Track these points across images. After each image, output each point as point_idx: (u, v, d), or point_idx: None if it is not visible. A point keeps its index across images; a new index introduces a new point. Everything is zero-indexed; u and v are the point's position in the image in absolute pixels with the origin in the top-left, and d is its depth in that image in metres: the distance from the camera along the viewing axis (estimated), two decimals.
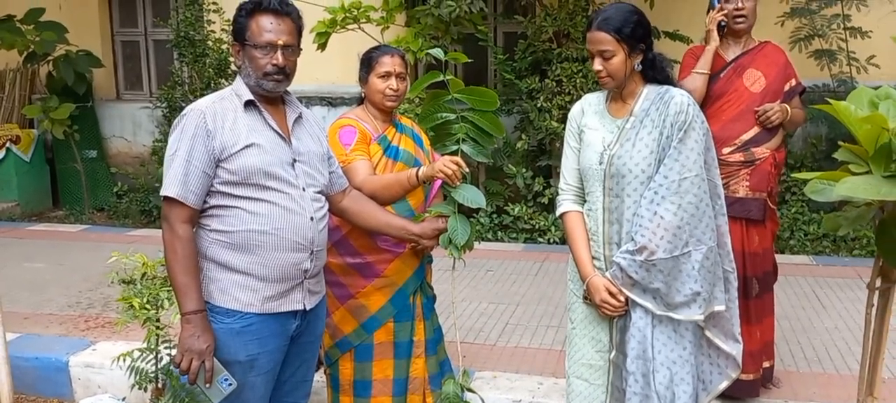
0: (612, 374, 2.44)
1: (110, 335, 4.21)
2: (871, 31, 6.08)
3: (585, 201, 2.49)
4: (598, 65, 2.35)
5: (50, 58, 7.72)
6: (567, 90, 6.16)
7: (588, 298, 2.45)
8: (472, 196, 2.53)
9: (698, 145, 2.31)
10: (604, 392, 2.48)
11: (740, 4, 3.26)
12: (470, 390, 2.62)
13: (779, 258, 5.75)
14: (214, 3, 7.24)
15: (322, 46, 6.17)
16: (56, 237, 6.79)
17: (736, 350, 2.47)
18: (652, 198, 2.29)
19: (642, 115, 2.37)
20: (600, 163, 2.38)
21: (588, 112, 2.49)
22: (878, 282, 2.28)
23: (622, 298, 2.35)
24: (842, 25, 6.12)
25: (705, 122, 2.38)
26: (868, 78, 5.99)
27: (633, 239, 2.31)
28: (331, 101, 7.68)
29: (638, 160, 2.33)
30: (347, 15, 6.18)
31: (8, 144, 7.79)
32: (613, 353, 2.44)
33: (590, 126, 2.46)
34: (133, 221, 7.58)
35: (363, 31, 6.23)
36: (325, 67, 6.45)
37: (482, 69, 7.58)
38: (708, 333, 2.42)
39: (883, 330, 2.30)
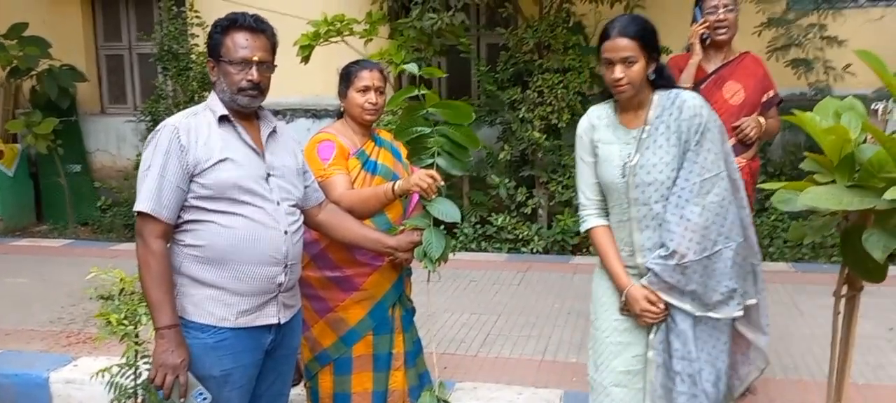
0: (655, 373, 2.43)
1: (92, 350, 4.20)
2: (847, 40, 6.16)
3: (610, 213, 2.50)
4: (618, 72, 2.33)
5: (33, 72, 7.71)
6: (548, 101, 6.21)
7: (626, 309, 2.45)
8: (447, 209, 2.55)
9: (715, 144, 2.34)
10: (642, 393, 2.49)
11: (722, 16, 3.33)
12: (446, 401, 2.64)
13: None
14: (198, 17, 7.25)
15: (306, 59, 6.19)
16: (39, 252, 6.77)
17: (764, 341, 2.50)
18: (676, 203, 2.31)
19: (657, 123, 2.38)
20: (623, 177, 2.39)
21: (599, 126, 2.49)
22: (844, 290, 2.33)
23: (662, 305, 2.36)
24: (818, 35, 6.20)
25: (718, 120, 2.40)
26: (845, 86, 6.06)
27: (664, 245, 2.33)
28: (315, 113, 7.70)
29: (661, 167, 2.35)
30: (331, 28, 6.21)
31: None
32: (652, 352, 2.43)
33: (604, 140, 2.46)
34: (117, 235, 7.56)
35: (346, 43, 6.26)
36: (309, 80, 6.47)
37: (466, 81, 7.63)
38: (738, 326, 2.45)
39: (850, 337, 2.35)
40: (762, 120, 3.36)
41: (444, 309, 4.87)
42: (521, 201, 6.53)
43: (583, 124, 2.54)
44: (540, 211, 6.59)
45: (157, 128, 2.26)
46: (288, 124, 7.74)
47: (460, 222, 6.69)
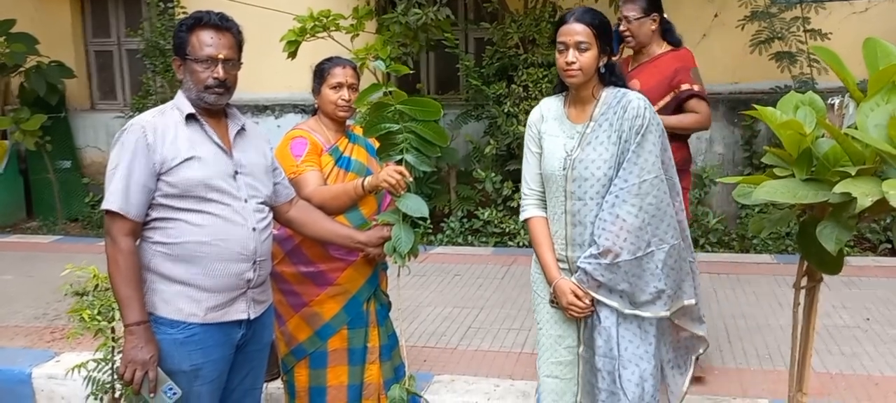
0: (583, 368, 2.50)
1: (74, 346, 4.22)
2: (830, 33, 6.18)
3: (547, 205, 2.55)
4: (571, 56, 2.37)
5: (21, 69, 7.72)
6: (533, 95, 6.24)
7: (555, 301, 2.50)
8: (414, 205, 2.59)
9: (656, 147, 2.38)
10: (575, 384, 2.55)
11: (623, 28, 3.53)
12: (415, 394, 2.68)
13: (740, 257, 5.86)
14: (184, 13, 7.25)
15: (292, 55, 6.21)
16: (27, 248, 6.79)
17: (702, 329, 2.57)
18: (613, 202, 2.34)
19: (601, 119, 2.42)
20: (563, 169, 2.43)
21: (547, 117, 2.53)
22: (803, 281, 2.36)
23: (588, 300, 2.41)
24: (801, 27, 6.22)
25: (661, 124, 2.44)
26: (829, 79, 6.08)
27: (596, 243, 2.36)
28: (304, 109, 7.71)
29: (599, 163, 2.38)
30: (317, 23, 6.22)
31: None
32: (582, 348, 2.50)
33: (550, 132, 2.50)
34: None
35: (333, 39, 6.27)
36: (297, 75, 6.43)
37: (453, 75, 7.65)
38: (677, 321, 2.51)
39: (810, 328, 2.39)
40: None
41: (427, 302, 4.91)
42: (507, 195, 6.56)
43: (533, 115, 2.59)
44: (520, 207, 6.62)
45: (124, 126, 2.29)
46: (277, 120, 7.76)
47: (443, 213, 6.74)
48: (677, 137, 3.47)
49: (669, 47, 3.58)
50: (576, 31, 2.37)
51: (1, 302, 5.14)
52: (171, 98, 7.31)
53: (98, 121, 8.58)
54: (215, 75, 2.28)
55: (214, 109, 2.36)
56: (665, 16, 3.57)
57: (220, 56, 2.29)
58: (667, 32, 3.57)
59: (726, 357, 3.91)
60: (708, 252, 6.12)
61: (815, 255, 2.21)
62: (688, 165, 3.60)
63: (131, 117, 7.97)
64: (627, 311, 2.38)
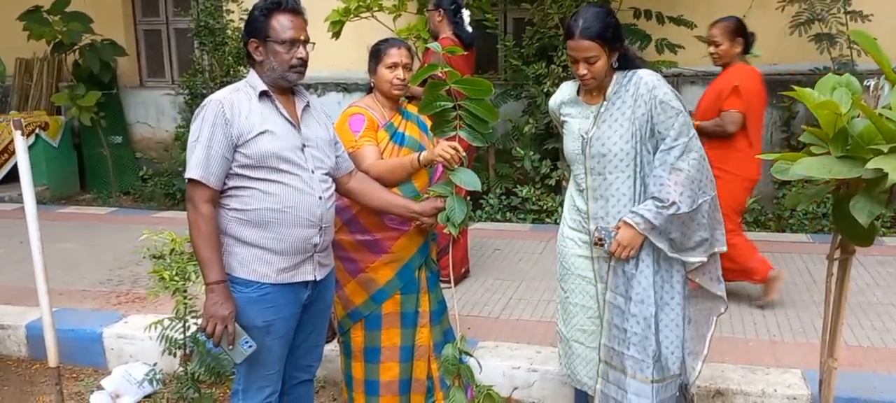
0: (611, 314, 2.66)
1: (140, 308, 4.50)
2: (871, 15, 6.18)
3: (571, 182, 2.73)
4: (583, 69, 2.54)
5: (76, 47, 8.01)
6: (573, 75, 6.33)
7: (601, 242, 2.63)
8: (468, 178, 2.75)
9: (682, 114, 2.54)
10: (596, 352, 2.74)
11: None
12: (467, 353, 2.86)
13: (776, 236, 5.93)
14: None
15: (336, 34, 6.39)
16: (85, 219, 7.10)
17: (721, 290, 2.74)
18: (664, 160, 2.50)
19: (614, 98, 2.58)
20: (581, 149, 2.61)
21: (566, 101, 2.72)
22: (837, 254, 2.49)
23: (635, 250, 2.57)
24: (842, 9, 6.23)
25: (673, 93, 2.59)
26: (869, 61, 6.09)
27: (657, 197, 2.50)
28: (345, 87, 7.92)
29: (615, 139, 2.55)
30: (361, 4, 6.38)
31: (37, 131, 8.12)
32: (609, 294, 2.66)
33: (568, 114, 2.68)
34: (158, 204, 7.89)
35: (376, 19, 6.44)
36: (339, 54, 6.67)
37: (493, 55, 7.77)
38: (697, 279, 2.67)
39: (842, 298, 2.51)
40: None
41: (471, 274, 5.09)
42: (545, 173, 6.69)
43: (553, 101, 2.79)
44: (564, 183, 6.76)
45: (204, 103, 2.48)
46: (319, 97, 7.98)
47: (481, 191, 6.90)
48: None
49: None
50: (583, 47, 2.52)
51: (67, 268, 5.44)
52: (221, 76, 7.51)
53: (147, 98, 8.88)
54: (299, 55, 2.48)
55: (285, 87, 2.56)
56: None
57: (301, 38, 2.48)
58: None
59: (761, 329, 4.04)
60: (744, 231, 6.20)
61: (848, 228, 2.34)
62: None
63: (180, 94, 8.30)
64: (671, 254, 2.54)
